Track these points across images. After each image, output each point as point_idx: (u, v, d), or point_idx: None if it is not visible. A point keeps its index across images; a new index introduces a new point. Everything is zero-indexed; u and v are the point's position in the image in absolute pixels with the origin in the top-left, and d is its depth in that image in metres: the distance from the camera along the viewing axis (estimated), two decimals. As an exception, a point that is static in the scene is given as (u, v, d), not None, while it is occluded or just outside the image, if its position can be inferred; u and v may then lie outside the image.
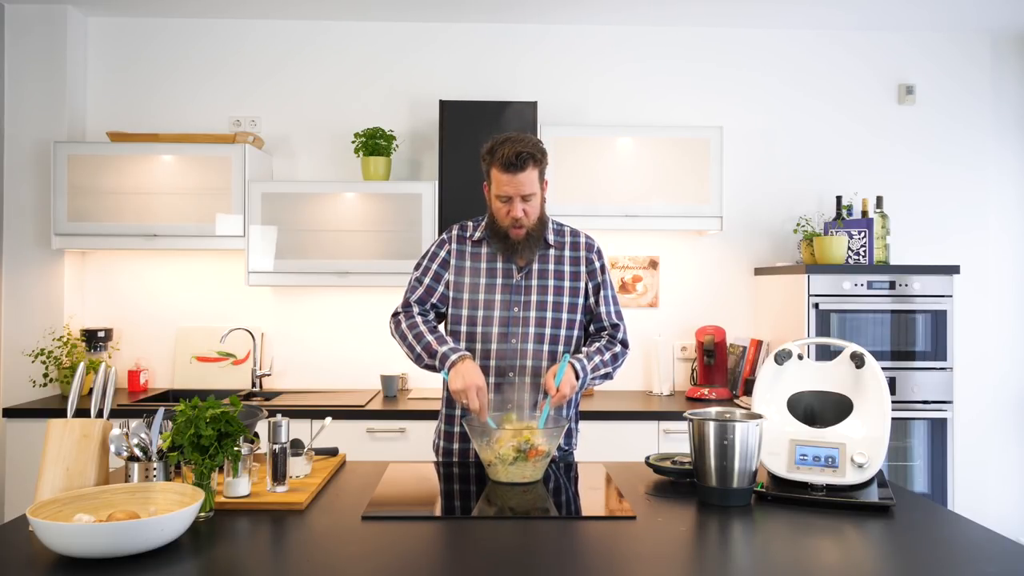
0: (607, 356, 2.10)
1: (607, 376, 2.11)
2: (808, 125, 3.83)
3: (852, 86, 3.83)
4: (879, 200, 3.60)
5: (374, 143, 3.51)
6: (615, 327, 2.16)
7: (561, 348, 2.10)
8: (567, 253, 2.15)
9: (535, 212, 2.05)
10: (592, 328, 2.17)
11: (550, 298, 2.09)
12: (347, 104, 3.77)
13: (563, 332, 2.11)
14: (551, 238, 2.13)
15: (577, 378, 2.00)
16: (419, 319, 2.07)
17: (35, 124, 3.54)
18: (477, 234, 2.13)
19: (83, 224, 3.38)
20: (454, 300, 2.11)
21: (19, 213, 3.54)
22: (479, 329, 2.08)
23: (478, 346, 2.08)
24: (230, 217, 3.40)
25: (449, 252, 2.13)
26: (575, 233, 2.19)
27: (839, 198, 3.55)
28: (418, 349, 2.02)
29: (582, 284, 2.14)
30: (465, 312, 2.09)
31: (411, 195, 3.43)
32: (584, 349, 2.10)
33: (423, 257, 2.16)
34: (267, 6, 3.61)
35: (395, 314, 2.12)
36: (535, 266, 2.11)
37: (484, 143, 2.07)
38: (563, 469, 2.05)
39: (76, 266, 3.65)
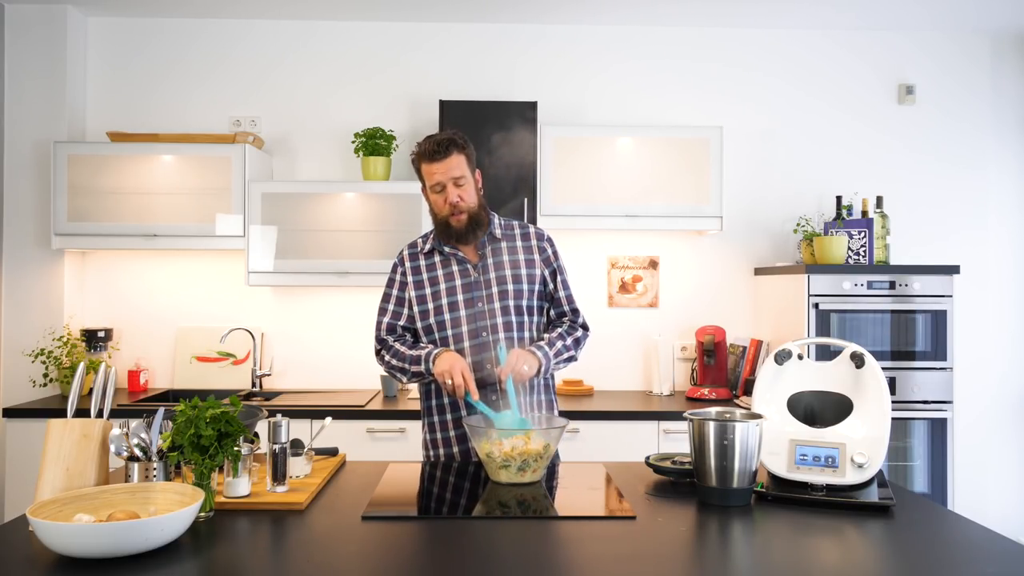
0: (569, 340, 2.18)
1: (572, 359, 2.19)
2: (808, 125, 3.83)
3: (852, 86, 3.83)
4: (879, 200, 3.60)
5: (374, 143, 3.51)
6: (575, 312, 2.25)
7: (527, 334, 2.19)
8: (519, 243, 2.23)
9: (471, 197, 2.13)
10: (553, 313, 2.26)
11: (510, 287, 2.16)
12: (347, 104, 3.77)
13: (526, 319, 2.19)
14: (498, 232, 2.21)
15: (540, 365, 2.06)
16: (396, 344, 2.16)
17: (35, 124, 3.54)
18: (428, 246, 2.22)
19: (83, 224, 3.38)
20: (421, 313, 2.19)
21: (19, 213, 3.54)
22: (449, 332, 2.15)
23: (452, 347, 2.14)
24: (230, 217, 3.40)
25: (403, 272, 2.23)
26: (524, 225, 2.29)
27: (839, 198, 3.55)
28: (406, 365, 2.11)
29: (538, 271, 2.22)
30: (433, 320, 2.17)
31: (411, 195, 3.43)
32: (546, 336, 2.18)
33: (384, 290, 2.25)
34: (267, 6, 3.61)
35: (377, 352, 2.21)
36: (489, 260, 2.19)
37: (411, 152, 2.19)
38: (563, 469, 2.05)
39: (76, 266, 3.65)
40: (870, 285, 3.28)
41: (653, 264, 3.82)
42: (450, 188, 2.10)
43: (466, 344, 2.12)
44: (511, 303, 2.15)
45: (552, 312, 2.25)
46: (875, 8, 3.56)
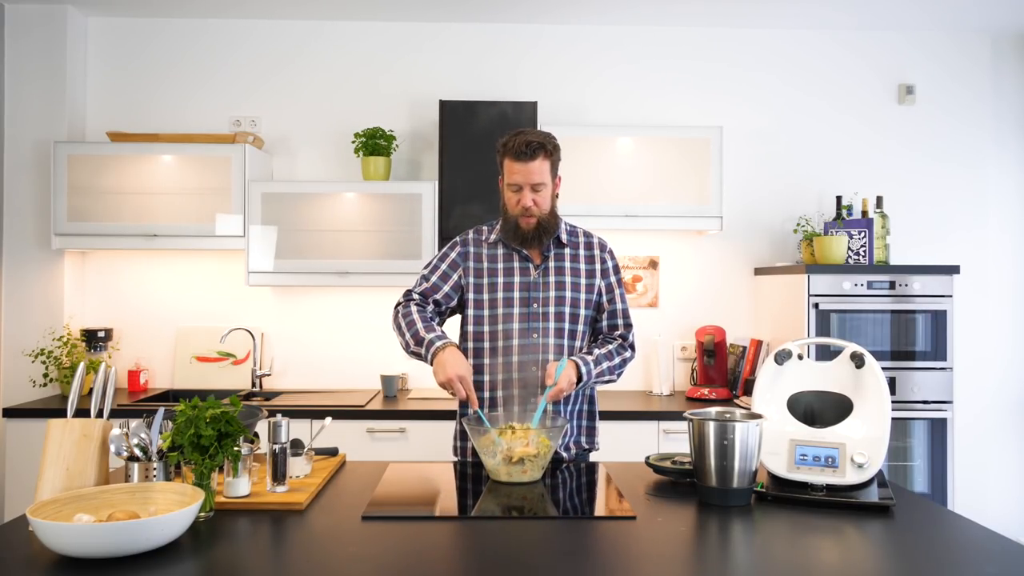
0: (616, 361, 2.15)
1: (610, 381, 2.17)
2: (808, 125, 3.83)
3: (852, 86, 3.83)
4: (879, 200, 3.60)
5: (374, 143, 3.51)
6: (628, 327, 2.21)
7: (578, 343, 2.16)
8: (582, 252, 2.20)
9: (545, 203, 2.10)
10: (606, 325, 2.21)
11: (568, 294, 2.14)
12: (347, 104, 3.77)
13: (580, 328, 2.15)
14: (564, 237, 2.18)
15: (580, 380, 2.03)
16: (414, 308, 2.12)
17: (35, 124, 3.54)
18: (493, 236, 2.18)
19: (83, 224, 3.38)
20: (475, 301, 2.15)
21: (19, 213, 3.54)
22: (500, 327, 2.12)
23: (500, 343, 2.11)
24: (230, 217, 3.40)
25: (461, 255, 2.18)
26: (588, 234, 2.26)
27: (839, 198, 3.55)
28: (407, 336, 2.07)
29: (596, 282, 2.19)
30: (486, 312, 2.14)
31: (411, 195, 3.43)
32: (595, 351, 2.13)
33: (434, 258, 2.22)
34: (267, 6, 3.61)
35: (397, 304, 2.18)
36: (551, 263, 2.16)
37: (499, 139, 2.14)
38: (563, 469, 2.05)
39: (76, 266, 3.65)
40: (870, 285, 3.28)
41: (653, 264, 3.82)
42: (526, 192, 2.07)
43: (515, 342, 2.10)
44: (567, 310, 2.13)
45: (605, 324, 2.21)
46: (875, 8, 3.56)
